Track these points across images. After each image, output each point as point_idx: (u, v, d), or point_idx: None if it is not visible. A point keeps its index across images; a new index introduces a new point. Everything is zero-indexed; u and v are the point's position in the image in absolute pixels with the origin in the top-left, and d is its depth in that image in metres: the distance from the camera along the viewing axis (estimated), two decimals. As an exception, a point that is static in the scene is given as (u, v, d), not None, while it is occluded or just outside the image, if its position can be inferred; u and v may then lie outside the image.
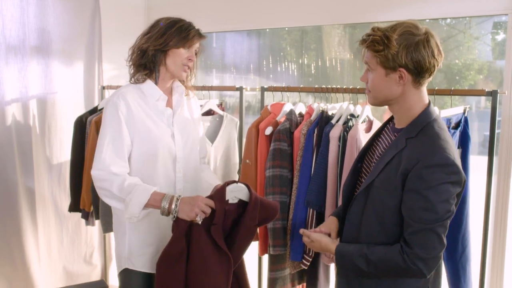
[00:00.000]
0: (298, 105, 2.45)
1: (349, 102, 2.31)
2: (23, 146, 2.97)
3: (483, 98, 2.86)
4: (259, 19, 3.14)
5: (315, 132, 2.22)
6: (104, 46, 3.35)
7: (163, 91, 1.94)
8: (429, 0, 2.51)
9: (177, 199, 1.72)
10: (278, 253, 2.27)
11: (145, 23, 3.44)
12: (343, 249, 1.55)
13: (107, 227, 2.81)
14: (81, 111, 3.21)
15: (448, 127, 2.06)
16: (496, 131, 2.03)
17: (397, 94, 1.47)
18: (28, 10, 2.92)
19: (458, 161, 1.41)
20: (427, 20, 2.67)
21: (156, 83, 1.93)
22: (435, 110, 1.53)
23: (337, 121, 2.22)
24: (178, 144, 1.95)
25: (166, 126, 1.94)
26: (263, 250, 2.38)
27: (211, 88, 2.81)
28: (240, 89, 2.72)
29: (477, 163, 2.10)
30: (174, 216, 1.71)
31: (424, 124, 1.46)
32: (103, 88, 3.30)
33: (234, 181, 1.80)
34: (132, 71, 1.94)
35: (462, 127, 2.07)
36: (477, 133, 2.61)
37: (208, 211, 1.72)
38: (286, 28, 3.42)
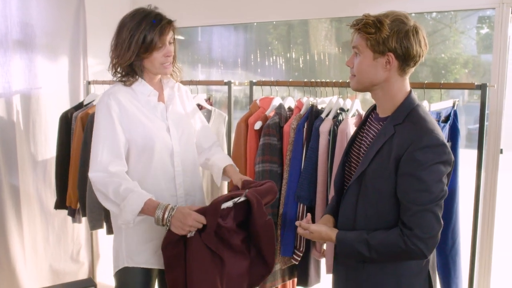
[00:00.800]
0: (287, 99, 2.43)
1: (338, 96, 2.30)
2: (7, 143, 2.90)
3: (466, 92, 2.88)
4: (246, 13, 3.11)
5: (305, 126, 2.21)
6: (89, 40, 3.30)
7: (153, 87, 1.92)
8: (415, -6, 2.51)
9: (172, 208, 1.67)
10: (269, 248, 2.26)
11: (130, 17, 3.38)
12: (343, 236, 1.56)
13: (94, 224, 2.76)
14: (66, 106, 3.16)
15: (438, 121, 2.07)
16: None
17: (382, 79, 1.50)
18: (11, 3, 2.85)
19: (446, 142, 1.45)
20: (413, 14, 2.66)
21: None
22: (416, 97, 1.57)
23: (327, 115, 2.22)
24: (174, 138, 1.92)
25: (161, 120, 1.91)
26: (253, 245, 2.37)
27: (198, 83, 2.79)
28: (228, 83, 2.69)
29: (462, 157, 2.12)
30: (167, 226, 1.67)
31: (409, 110, 1.50)
32: (89, 83, 3.25)
33: (231, 196, 1.74)
34: (118, 80, 1.91)
35: (451, 120, 2.08)
36: (462, 127, 2.63)
37: (200, 226, 1.67)
38: (274, 22, 3.40)
